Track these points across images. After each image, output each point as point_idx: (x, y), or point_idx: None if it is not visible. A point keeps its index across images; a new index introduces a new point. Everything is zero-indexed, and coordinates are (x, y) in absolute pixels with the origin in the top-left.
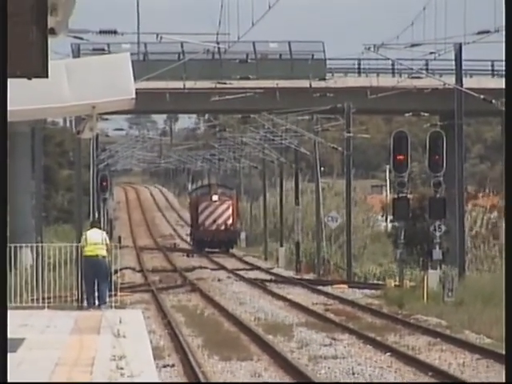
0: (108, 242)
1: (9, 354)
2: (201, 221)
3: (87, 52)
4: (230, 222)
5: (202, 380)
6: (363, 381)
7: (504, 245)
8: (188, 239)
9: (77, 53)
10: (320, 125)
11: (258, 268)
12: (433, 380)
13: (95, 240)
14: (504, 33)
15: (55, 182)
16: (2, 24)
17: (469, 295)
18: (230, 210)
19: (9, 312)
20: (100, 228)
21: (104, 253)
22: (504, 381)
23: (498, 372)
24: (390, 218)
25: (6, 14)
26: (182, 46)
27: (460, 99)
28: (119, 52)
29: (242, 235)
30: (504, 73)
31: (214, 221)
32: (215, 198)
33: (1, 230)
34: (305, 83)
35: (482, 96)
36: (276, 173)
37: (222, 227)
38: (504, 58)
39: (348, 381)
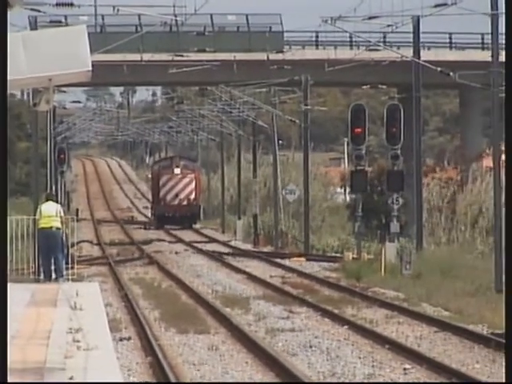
0: (62, 214)
1: None
2: (162, 195)
3: (45, 24)
4: (192, 196)
5: (159, 353)
6: (320, 354)
7: (504, 244)
8: (146, 212)
9: (34, 25)
10: (278, 97)
11: (216, 241)
12: (390, 353)
13: (49, 212)
14: (504, 29)
15: (13, 154)
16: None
17: (426, 268)
18: (193, 184)
19: None
20: (55, 201)
21: (58, 224)
22: (504, 380)
23: (455, 344)
24: (347, 190)
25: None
26: (139, 19)
27: (417, 72)
28: (77, 24)
29: None
30: (504, 71)
31: (176, 195)
32: (177, 171)
33: (1, 224)
34: (262, 56)
35: (439, 68)
36: (234, 145)
37: (185, 202)
38: (504, 56)
39: (306, 354)
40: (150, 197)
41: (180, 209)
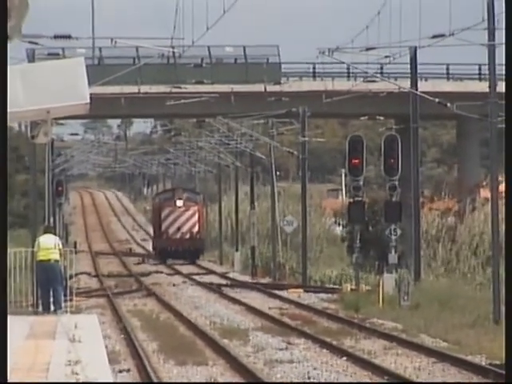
0: (61, 246)
1: None
2: (164, 228)
3: (42, 57)
4: (195, 229)
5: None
6: None
7: (504, 251)
8: (144, 244)
9: (32, 58)
10: (275, 129)
11: (214, 272)
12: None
13: (48, 245)
14: (504, 35)
15: (11, 186)
16: (2, 25)
17: (425, 299)
18: (196, 217)
19: None
20: (53, 233)
21: (57, 257)
22: (505, 380)
23: (454, 375)
24: (345, 222)
25: (5, 17)
26: (136, 51)
27: (415, 103)
28: (74, 56)
29: None
30: (504, 77)
31: (179, 228)
32: (180, 203)
33: (1, 235)
34: (260, 87)
35: (437, 99)
36: (231, 177)
37: (187, 236)
38: (504, 62)
39: None
40: (149, 229)
41: (183, 243)
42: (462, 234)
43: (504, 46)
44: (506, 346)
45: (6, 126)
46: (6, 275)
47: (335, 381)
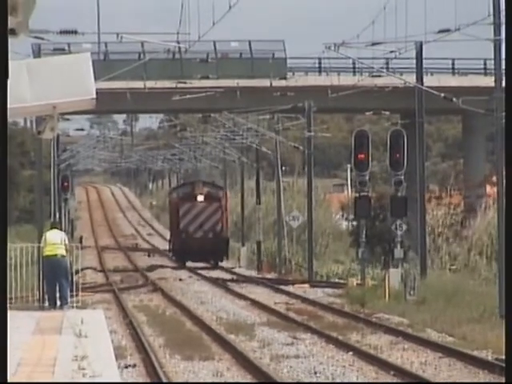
0: (67, 242)
1: None
2: (183, 226)
3: (48, 52)
4: (219, 227)
5: (164, 380)
6: (325, 380)
7: (504, 248)
8: (149, 239)
9: (38, 53)
10: (281, 124)
11: (220, 267)
12: (395, 379)
13: (54, 240)
14: (504, 34)
15: (17, 182)
16: (2, 21)
17: (431, 294)
18: (220, 213)
19: None
20: (59, 229)
21: (63, 252)
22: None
23: (460, 370)
24: (351, 216)
25: (6, 16)
26: (142, 46)
27: (421, 97)
28: (80, 52)
29: None
30: (504, 76)
31: (200, 226)
32: (201, 198)
33: (1, 231)
34: (265, 82)
35: (442, 94)
36: (237, 172)
37: (210, 234)
38: (504, 61)
39: (311, 380)
40: (154, 224)
41: (204, 242)
42: (467, 230)
43: (504, 43)
44: (506, 343)
45: (6, 122)
46: (6, 273)
47: (342, 375)
